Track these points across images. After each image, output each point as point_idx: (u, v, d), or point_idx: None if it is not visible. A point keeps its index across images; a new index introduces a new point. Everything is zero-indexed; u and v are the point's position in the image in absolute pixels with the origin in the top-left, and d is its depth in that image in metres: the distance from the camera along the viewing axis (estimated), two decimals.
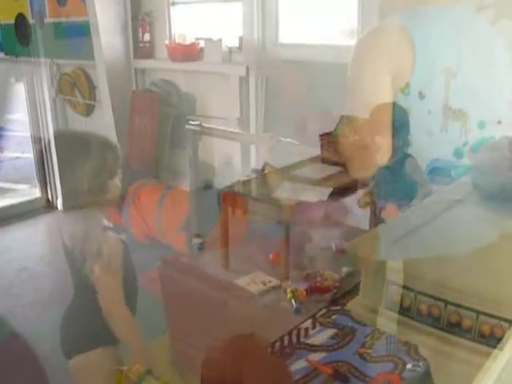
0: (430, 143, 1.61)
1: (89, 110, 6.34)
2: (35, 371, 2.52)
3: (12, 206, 5.08)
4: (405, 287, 1.23)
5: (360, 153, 1.61)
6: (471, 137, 1.62)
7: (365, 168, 1.74)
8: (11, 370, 2.51)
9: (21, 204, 5.15)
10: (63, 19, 5.88)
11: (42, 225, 4.96)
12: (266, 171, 2.24)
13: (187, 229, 3.77)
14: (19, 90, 5.86)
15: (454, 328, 1.18)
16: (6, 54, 6.91)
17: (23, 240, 4.55)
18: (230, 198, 1.97)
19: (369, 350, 1.49)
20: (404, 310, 1.25)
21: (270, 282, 2.04)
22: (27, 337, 2.92)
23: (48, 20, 6.00)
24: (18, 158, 5.57)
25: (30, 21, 5.99)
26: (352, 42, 3.61)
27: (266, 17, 4.32)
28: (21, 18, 6.38)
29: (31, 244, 4.50)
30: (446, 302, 1.18)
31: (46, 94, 5.00)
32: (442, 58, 1.61)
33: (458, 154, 1.62)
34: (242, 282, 2.08)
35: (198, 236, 2.57)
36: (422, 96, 1.58)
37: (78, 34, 5.65)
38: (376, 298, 1.29)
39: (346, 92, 1.72)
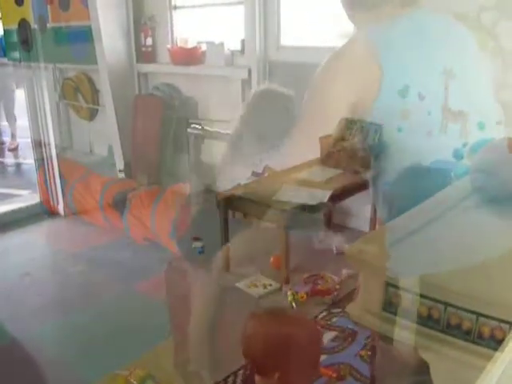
0: (430, 144, 1.60)
1: (92, 115, 6.36)
2: (34, 376, 2.53)
3: (13, 212, 5.09)
4: (404, 289, 1.23)
5: (359, 155, 1.61)
6: (471, 138, 1.61)
7: (366, 170, 1.73)
8: (11, 374, 2.52)
9: (22, 210, 5.15)
10: (66, 24, 5.90)
11: (43, 230, 4.97)
12: (266, 174, 2.23)
13: (176, 233, 3.77)
14: (21, 96, 5.87)
15: (453, 330, 1.17)
16: (9, 59, 6.93)
17: (24, 245, 4.55)
18: (230, 201, 1.97)
19: (370, 352, 1.49)
20: (403, 313, 1.24)
21: (270, 285, 2.04)
22: (29, 342, 2.93)
23: (50, 25, 6.02)
24: (19, 163, 5.58)
25: (33, 26, 6.01)
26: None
27: (268, 20, 4.33)
28: (24, 24, 6.40)
29: (32, 249, 4.50)
30: (446, 304, 1.17)
31: (47, 99, 5.00)
32: (441, 59, 1.60)
33: (457, 155, 1.61)
34: (243, 285, 2.08)
35: (198, 240, 2.57)
36: (421, 97, 1.57)
37: (81, 38, 5.66)
38: (375, 300, 1.28)
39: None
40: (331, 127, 1.60)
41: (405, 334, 1.24)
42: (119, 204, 4.44)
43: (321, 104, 1.61)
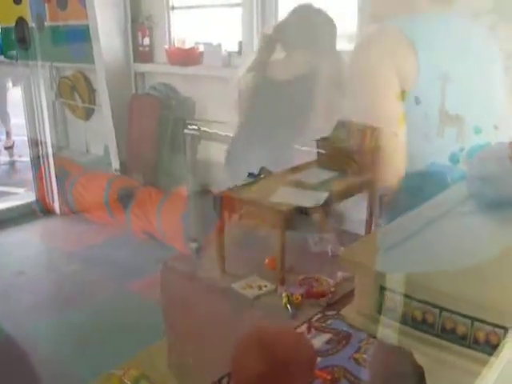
0: (426, 148, 1.61)
1: (88, 114, 6.34)
2: (28, 375, 2.52)
3: (8, 210, 5.08)
4: (399, 293, 1.23)
5: (356, 157, 1.61)
6: (467, 142, 1.61)
7: (362, 173, 1.74)
8: (6, 371, 2.52)
9: (17, 207, 5.15)
10: (63, 23, 5.89)
11: (38, 228, 4.96)
12: (262, 175, 2.23)
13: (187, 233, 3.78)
14: (17, 94, 5.86)
15: (448, 334, 1.17)
16: (6, 57, 6.92)
17: (20, 243, 4.54)
18: (226, 202, 1.97)
19: (364, 355, 1.49)
20: (398, 316, 1.24)
21: (265, 286, 2.03)
22: (22, 341, 2.92)
23: (48, 24, 6.01)
24: (14, 161, 5.57)
25: (31, 24, 6.00)
26: (350, 46, 3.61)
27: (266, 21, 4.32)
28: (21, 22, 6.39)
29: (27, 248, 4.50)
30: (441, 309, 1.17)
31: (44, 97, 5.00)
32: (437, 63, 1.61)
33: (454, 159, 1.61)
34: (238, 286, 2.07)
35: (195, 240, 2.57)
36: (417, 101, 1.57)
37: (78, 37, 5.65)
38: (370, 303, 1.28)
39: (345, 94, 1.71)
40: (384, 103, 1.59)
41: (399, 337, 1.24)
42: (124, 199, 4.47)
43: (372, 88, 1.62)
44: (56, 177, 4.99)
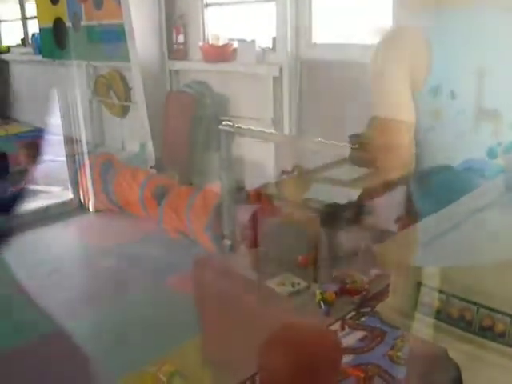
0: (462, 143, 1.58)
1: (124, 112, 6.41)
2: (68, 368, 2.57)
3: (45, 208, 5.17)
4: (436, 290, 1.21)
5: (389, 154, 1.59)
6: (504, 137, 1.58)
7: (394, 170, 1.71)
8: (54, 362, 2.57)
9: (53, 206, 5.24)
10: (99, 22, 5.96)
11: (75, 226, 5.03)
12: (295, 173, 2.22)
13: (211, 229, 3.79)
14: (55, 93, 5.95)
15: (486, 332, 1.15)
16: (44, 57, 7.03)
17: (58, 241, 4.62)
18: (259, 199, 1.97)
19: (398, 353, 1.47)
20: (434, 313, 1.22)
21: (299, 283, 2.03)
22: (61, 336, 2.97)
23: (84, 23, 6.10)
24: (52, 160, 5.67)
25: (67, 24, 6.10)
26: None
27: (300, 17, 4.30)
28: (58, 22, 6.49)
29: (65, 244, 4.57)
30: (479, 306, 1.15)
31: (79, 96, 5.07)
32: (474, 57, 1.57)
33: (491, 153, 1.58)
34: (272, 283, 2.07)
35: (228, 237, 2.57)
36: (453, 96, 1.54)
37: (114, 36, 5.72)
38: (406, 300, 1.27)
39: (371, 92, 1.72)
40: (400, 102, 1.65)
41: (434, 334, 1.22)
42: (158, 196, 4.52)
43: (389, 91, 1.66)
44: (99, 172, 5.06)
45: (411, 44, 1.63)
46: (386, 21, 3.63)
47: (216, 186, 4.26)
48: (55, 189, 5.59)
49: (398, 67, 1.63)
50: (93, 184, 5.07)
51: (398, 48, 1.66)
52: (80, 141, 5.04)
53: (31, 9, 7.79)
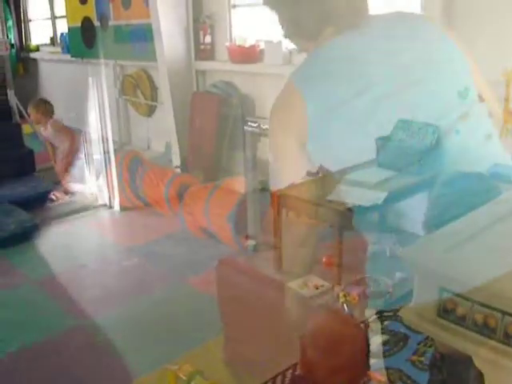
0: (489, 147, 1.57)
1: (150, 111, 6.46)
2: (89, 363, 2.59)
3: (71, 205, 5.24)
4: (459, 295, 1.20)
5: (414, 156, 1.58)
6: None
7: (421, 172, 1.70)
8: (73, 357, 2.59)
9: (79, 203, 5.30)
10: (127, 22, 6.01)
11: (99, 223, 5.09)
12: (320, 174, 2.22)
13: (233, 221, 3.79)
14: (82, 92, 6.03)
15: (510, 340, 1.13)
16: (72, 55, 7.11)
17: (82, 238, 4.67)
18: (284, 200, 1.97)
19: (421, 358, 1.46)
20: (458, 319, 1.21)
21: (322, 285, 2.02)
22: (84, 332, 3.00)
23: (112, 23, 6.15)
24: (78, 158, 5.75)
25: (96, 24, 6.16)
26: None
27: None
28: (87, 22, 6.56)
29: (89, 242, 4.62)
30: (503, 313, 1.13)
31: (106, 95, 5.12)
32: (500, 60, 1.56)
33: None
34: (295, 284, 2.07)
35: (253, 237, 2.57)
36: (481, 99, 1.53)
37: (141, 36, 5.76)
38: (429, 305, 1.26)
39: None
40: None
41: (458, 340, 1.21)
42: (181, 195, 4.55)
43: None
44: (127, 169, 5.10)
45: (291, 109, 1.79)
46: None
47: (231, 182, 4.27)
48: (82, 186, 5.66)
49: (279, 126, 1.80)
50: (120, 181, 5.12)
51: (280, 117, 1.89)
52: (107, 139, 5.09)
53: (60, 8, 7.89)
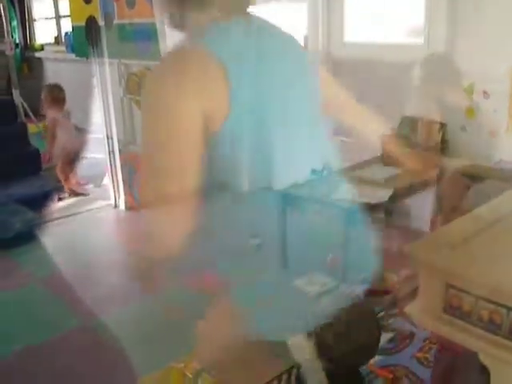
0: (495, 144, 1.57)
1: None
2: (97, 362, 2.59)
3: (77, 204, 5.25)
4: (465, 292, 1.20)
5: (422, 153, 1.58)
6: None
7: (427, 169, 1.71)
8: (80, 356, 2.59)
9: (85, 202, 5.31)
10: (131, 21, 6.01)
11: (106, 223, 5.09)
12: (325, 172, 2.21)
13: None
14: (87, 91, 6.03)
15: None
16: (77, 55, 7.12)
17: (87, 238, 4.68)
18: (288, 198, 1.96)
19: (427, 355, 1.46)
20: (464, 316, 1.21)
21: (327, 283, 2.02)
22: (90, 331, 3.01)
23: (116, 22, 6.15)
24: (84, 157, 5.77)
25: (100, 23, 6.15)
26: (419, 39, 3.55)
27: (332, 16, 4.29)
28: (91, 21, 6.56)
29: (95, 241, 4.62)
30: (509, 309, 1.13)
31: (111, 95, 5.12)
32: (507, 57, 1.56)
33: None
34: (301, 282, 2.06)
35: (256, 236, 2.56)
36: (486, 95, 1.53)
37: (145, 35, 5.77)
38: (435, 302, 1.26)
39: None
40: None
41: (464, 337, 1.21)
42: None
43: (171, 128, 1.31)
44: (132, 168, 5.11)
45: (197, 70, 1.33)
46: (419, 20, 3.61)
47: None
48: (88, 186, 5.68)
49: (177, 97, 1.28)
50: (125, 180, 5.12)
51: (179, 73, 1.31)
52: (112, 138, 5.09)
53: (65, 7, 7.90)
